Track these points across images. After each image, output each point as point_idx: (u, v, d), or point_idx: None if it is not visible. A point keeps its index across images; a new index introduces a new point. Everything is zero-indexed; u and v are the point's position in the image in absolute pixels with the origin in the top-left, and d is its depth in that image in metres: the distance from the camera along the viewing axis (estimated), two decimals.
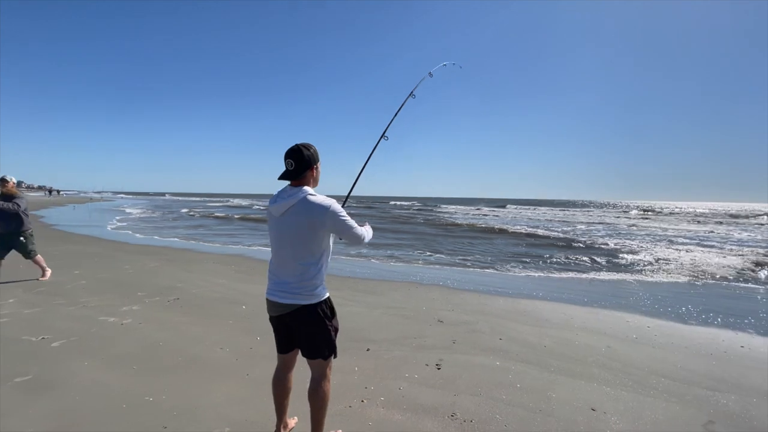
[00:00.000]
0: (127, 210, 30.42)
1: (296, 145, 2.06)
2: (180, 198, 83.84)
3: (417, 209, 44.01)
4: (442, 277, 7.73)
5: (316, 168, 2.12)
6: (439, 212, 36.94)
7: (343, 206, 2.49)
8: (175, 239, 12.85)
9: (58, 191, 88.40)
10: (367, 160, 2.85)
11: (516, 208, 51.23)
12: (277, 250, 2.09)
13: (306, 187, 2.04)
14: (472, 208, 50.94)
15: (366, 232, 2.18)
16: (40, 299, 5.12)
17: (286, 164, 2.05)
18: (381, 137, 2.89)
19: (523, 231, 18.27)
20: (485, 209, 46.80)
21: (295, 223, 1.99)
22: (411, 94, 3.20)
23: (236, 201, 60.36)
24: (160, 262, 8.26)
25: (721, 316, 5.38)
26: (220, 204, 47.91)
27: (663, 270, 9.02)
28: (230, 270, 7.65)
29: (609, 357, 3.74)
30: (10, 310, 4.63)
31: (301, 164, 2.03)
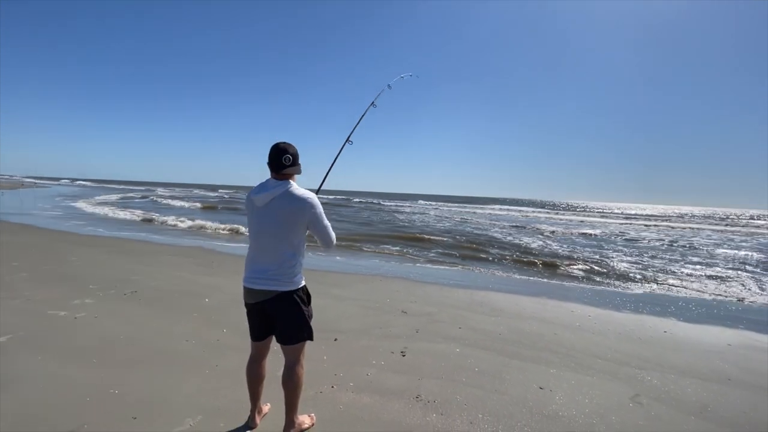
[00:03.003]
0: (69, 199, 28.05)
1: (283, 143, 2.16)
2: (105, 186, 75.85)
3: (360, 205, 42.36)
4: (404, 272, 8.00)
5: (298, 166, 2.23)
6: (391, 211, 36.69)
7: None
8: (125, 232, 12.14)
9: None
10: (333, 161, 2.94)
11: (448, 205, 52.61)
12: (257, 239, 2.16)
13: (289, 181, 2.15)
14: (406, 203, 52.14)
15: (334, 236, 2.30)
16: None
17: (284, 160, 2.11)
18: (345, 141, 3.04)
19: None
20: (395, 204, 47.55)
21: (277, 214, 2.08)
22: (372, 104, 3.38)
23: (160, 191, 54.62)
24: (110, 254, 7.82)
25: (649, 305, 6.08)
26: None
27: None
28: (189, 263, 7.42)
29: (555, 342, 4.14)
30: None
31: (295, 159, 2.16)
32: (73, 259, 6.96)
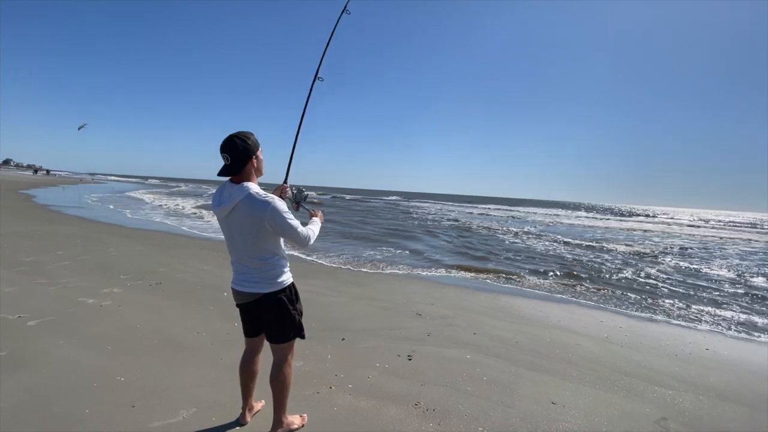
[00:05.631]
0: (128, 193, 30.12)
1: (230, 136, 1.94)
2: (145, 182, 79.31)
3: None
4: (426, 272, 7.82)
5: (257, 157, 2.01)
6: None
7: (285, 179, 2.45)
8: (165, 223, 12.80)
9: (48, 171, 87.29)
10: (305, 107, 2.59)
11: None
12: (231, 248, 2.09)
13: (247, 183, 1.96)
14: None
15: (311, 232, 2.10)
16: (20, 278, 5.12)
17: (223, 158, 1.95)
18: (314, 79, 2.62)
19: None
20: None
21: (242, 223, 1.95)
22: (345, 9, 2.83)
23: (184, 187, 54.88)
24: (146, 245, 8.25)
25: (692, 318, 5.55)
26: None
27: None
28: (216, 256, 7.67)
29: (577, 354, 3.85)
30: None
31: (237, 157, 1.93)
32: (111, 250, 7.39)
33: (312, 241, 2.11)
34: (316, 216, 2.34)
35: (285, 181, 2.44)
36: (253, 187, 1.97)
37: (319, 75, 2.67)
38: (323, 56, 2.73)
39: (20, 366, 2.88)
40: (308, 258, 8.26)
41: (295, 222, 2.02)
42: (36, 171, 78.53)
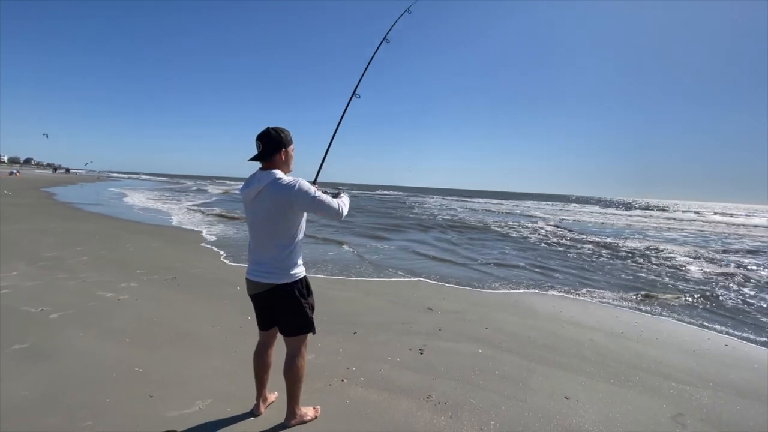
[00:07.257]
0: (128, 190, 30.75)
1: (267, 127, 2.09)
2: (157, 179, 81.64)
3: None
4: (438, 268, 7.81)
5: (286, 151, 2.13)
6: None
7: (314, 181, 2.50)
8: (180, 220, 13.02)
9: (67, 169, 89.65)
10: (339, 123, 2.67)
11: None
12: (253, 232, 2.16)
13: (275, 171, 2.06)
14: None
15: (342, 204, 2.15)
16: (41, 273, 5.28)
17: (256, 146, 2.10)
18: (352, 95, 2.71)
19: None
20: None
21: (266, 206, 2.04)
22: (385, 38, 2.91)
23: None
24: (162, 242, 8.42)
25: (711, 314, 5.42)
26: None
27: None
28: (228, 252, 7.77)
29: (591, 349, 3.80)
30: (12, 282, 4.78)
31: (268, 146, 2.07)
32: (128, 246, 7.56)
33: (345, 213, 2.13)
34: (342, 196, 2.33)
35: (314, 182, 2.48)
36: (280, 173, 2.06)
37: (356, 92, 2.73)
38: (363, 75, 2.79)
39: (43, 357, 2.98)
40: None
41: (324, 196, 2.07)
42: (55, 169, 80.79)
